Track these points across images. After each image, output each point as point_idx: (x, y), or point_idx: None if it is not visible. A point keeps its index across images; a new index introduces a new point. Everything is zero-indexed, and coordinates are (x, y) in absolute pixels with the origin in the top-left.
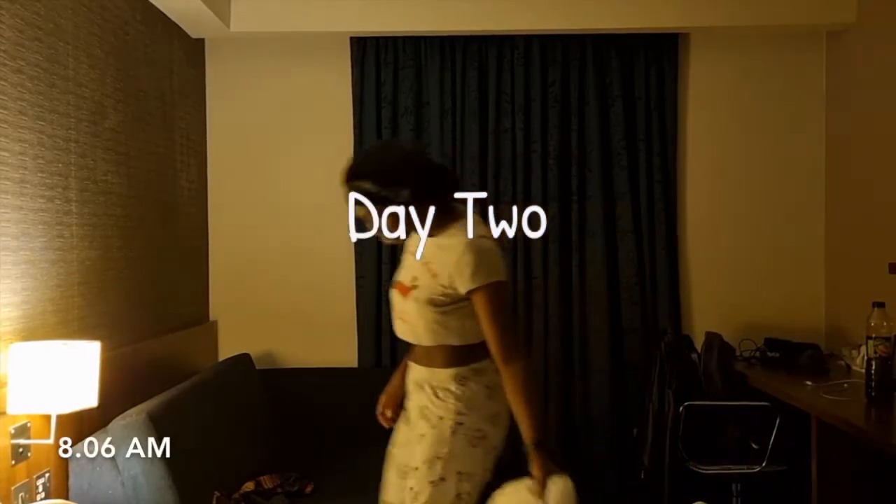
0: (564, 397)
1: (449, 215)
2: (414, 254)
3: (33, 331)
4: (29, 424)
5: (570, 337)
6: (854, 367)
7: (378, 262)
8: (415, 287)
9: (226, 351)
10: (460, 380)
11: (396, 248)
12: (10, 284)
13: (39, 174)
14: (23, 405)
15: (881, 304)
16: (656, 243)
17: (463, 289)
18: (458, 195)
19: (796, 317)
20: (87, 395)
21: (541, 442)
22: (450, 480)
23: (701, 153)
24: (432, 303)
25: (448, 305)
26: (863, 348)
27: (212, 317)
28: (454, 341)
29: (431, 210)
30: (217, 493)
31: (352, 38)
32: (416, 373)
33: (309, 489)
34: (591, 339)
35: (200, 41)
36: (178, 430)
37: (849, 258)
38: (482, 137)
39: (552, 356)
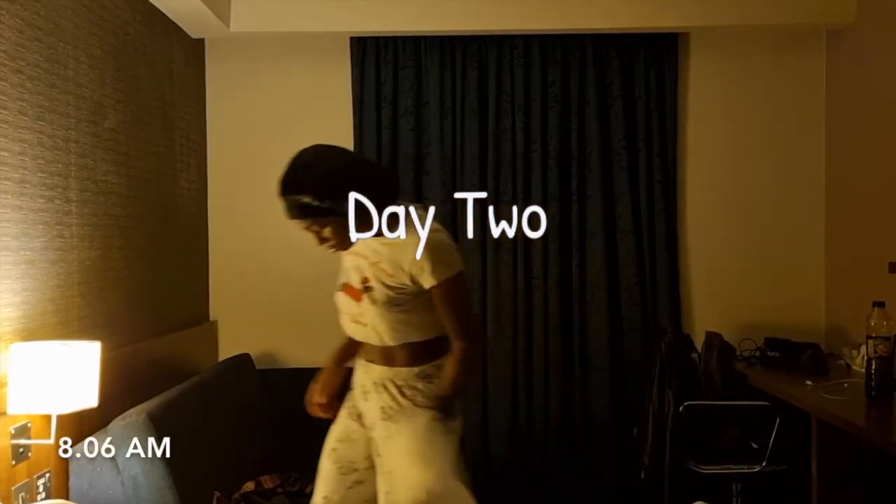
0: (564, 397)
1: (395, 214)
2: (353, 255)
3: (33, 331)
4: (29, 424)
5: (570, 337)
6: (854, 367)
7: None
8: (368, 289)
9: (226, 351)
10: (426, 377)
11: None
12: (10, 284)
13: (39, 174)
14: (23, 405)
15: (881, 304)
16: (656, 243)
17: (427, 284)
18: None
19: (796, 316)
20: (87, 396)
21: (447, 400)
22: (443, 464)
23: (701, 153)
24: (393, 302)
25: (409, 303)
26: (863, 348)
27: (212, 317)
28: (417, 337)
29: (396, 210)
30: (217, 493)
31: (352, 38)
32: (375, 373)
33: (309, 489)
34: (591, 339)
35: (200, 41)
36: (178, 430)
37: (849, 258)
38: (482, 137)
39: (552, 356)
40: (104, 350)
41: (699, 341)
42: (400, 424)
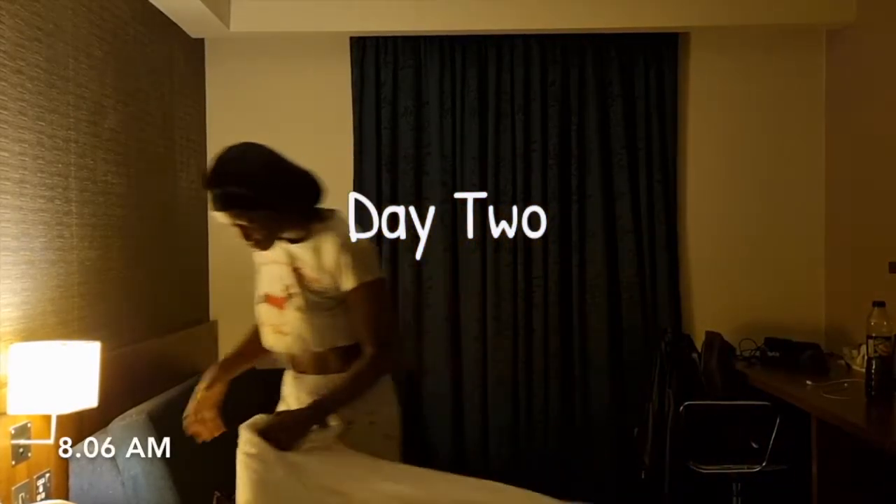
0: (564, 397)
1: (315, 219)
2: (272, 264)
3: (33, 331)
4: (29, 425)
5: (570, 337)
6: (854, 367)
7: (377, 262)
8: (292, 296)
9: (226, 351)
10: None
11: (397, 248)
12: (10, 285)
13: (39, 174)
14: (23, 405)
15: (881, 304)
16: (656, 243)
17: (347, 286)
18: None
19: (796, 316)
20: (87, 396)
21: (327, 412)
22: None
23: (701, 153)
24: (318, 307)
25: (334, 308)
26: (863, 348)
27: (212, 317)
28: (343, 341)
29: (334, 211)
30: (217, 493)
31: (352, 38)
32: (307, 383)
33: None
34: (591, 339)
35: (200, 41)
36: (178, 430)
37: (849, 258)
38: (482, 137)
39: (552, 356)
40: (104, 350)
41: (699, 341)
42: (369, 441)
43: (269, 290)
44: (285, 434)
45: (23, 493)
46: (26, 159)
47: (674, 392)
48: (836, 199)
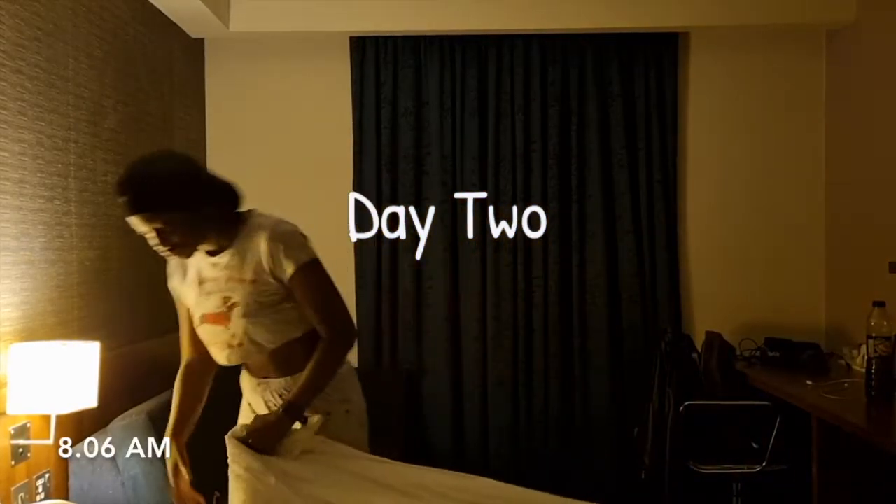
0: (564, 397)
1: (236, 223)
2: (202, 283)
3: (33, 331)
4: (29, 425)
5: (570, 337)
6: (854, 367)
7: (378, 262)
8: (233, 306)
9: None
10: None
11: (397, 248)
12: (10, 284)
13: (39, 174)
14: (22, 405)
15: (881, 304)
16: (656, 243)
17: (286, 273)
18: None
19: (796, 316)
20: (86, 396)
21: (300, 410)
22: None
23: (701, 153)
24: (263, 306)
25: (280, 303)
26: (863, 348)
27: None
28: (298, 331)
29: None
30: (217, 493)
31: (352, 38)
32: (273, 386)
33: None
34: (591, 339)
35: (200, 41)
36: None
37: (849, 258)
38: (482, 137)
39: (552, 356)
40: (104, 350)
41: (699, 341)
42: (346, 430)
43: (206, 310)
44: (265, 439)
45: (22, 494)
46: (26, 159)
47: (674, 392)
48: (836, 199)
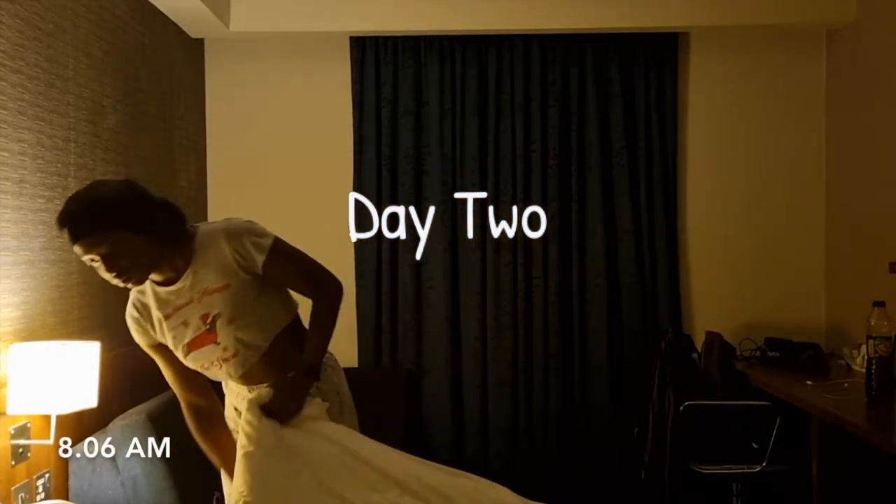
0: (564, 397)
1: (185, 243)
2: (176, 311)
3: (33, 331)
4: (29, 425)
5: (570, 337)
6: (854, 367)
7: (378, 262)
8: (215, 319)
9: None
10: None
11: (397, 248)
12: (10, 284)
13: (39, 174)
14: (23, 405)
15: (881, 304)
16: (656, 243)
17: (258, 262)
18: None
19: (796, 316)
20: (86, 396)
21: (315, 367)
22: None
23: (701, 153)
24: (245, 306)
25: (260, 296)
26: (863, 348)
27: None
28: (287, 318)
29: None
30: (217, 494)
31: (352, 38)
32: (266, 390)
33: None
34: (591, 339)
35: (200, 41)
36: (178, 430)
37: (849, 258)
38: (482, 137)
39: (552, 356)
40: (104, 350)
41: (699, 341)
42: (341, 417)
43: (188, 339)
44: (289, 404)
45: (22, 494)
46: (26, 159)
47: (674, 392)
48: (836, 199)
